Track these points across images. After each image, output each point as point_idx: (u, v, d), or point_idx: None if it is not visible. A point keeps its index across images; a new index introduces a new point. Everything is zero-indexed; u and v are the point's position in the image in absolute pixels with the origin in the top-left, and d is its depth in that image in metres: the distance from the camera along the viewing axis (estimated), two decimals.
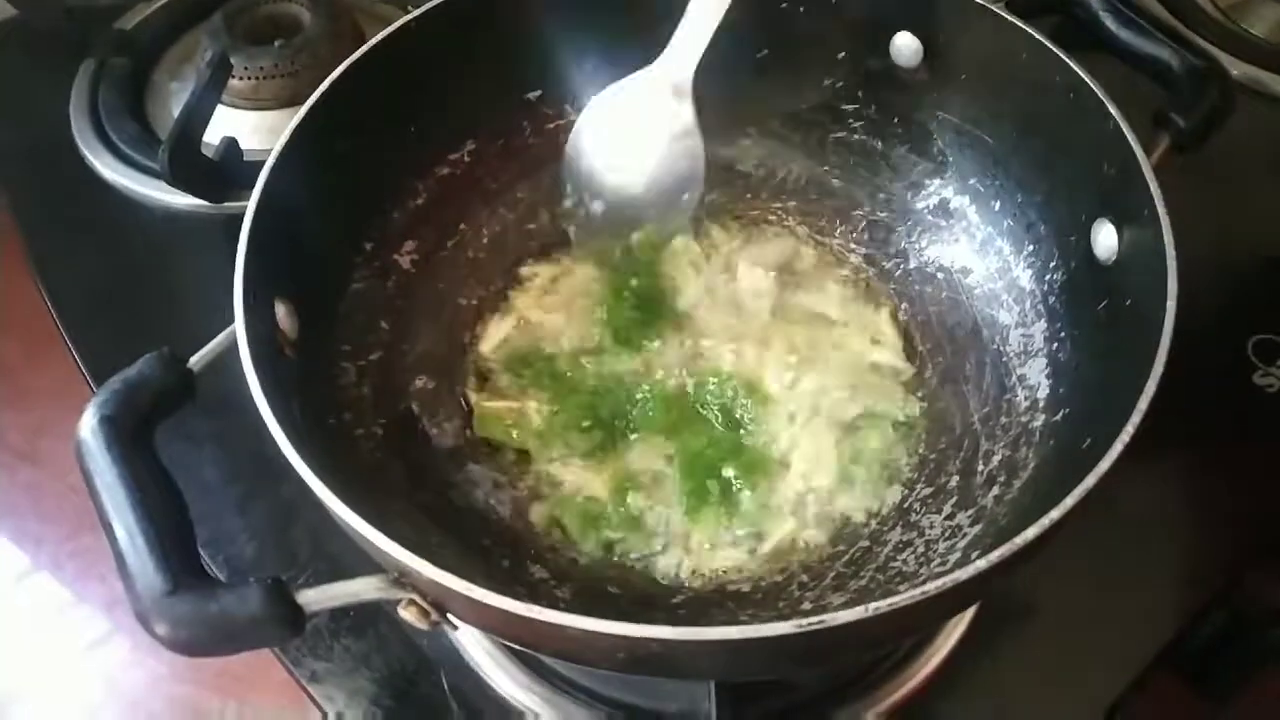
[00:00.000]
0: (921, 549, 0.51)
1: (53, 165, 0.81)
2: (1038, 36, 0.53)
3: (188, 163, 0.67)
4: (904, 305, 0.61)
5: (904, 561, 0.50)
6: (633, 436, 0.56)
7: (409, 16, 0.56)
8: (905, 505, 0.54)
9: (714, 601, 0.51)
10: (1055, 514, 0.37)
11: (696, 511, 0.54)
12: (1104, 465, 0.38)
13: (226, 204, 0.70)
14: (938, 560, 0.49)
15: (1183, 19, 0.85)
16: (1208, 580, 0.59)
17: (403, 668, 0.56)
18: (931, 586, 0.35)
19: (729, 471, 0.54)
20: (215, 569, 0.60)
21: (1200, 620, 0.58)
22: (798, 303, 0.61)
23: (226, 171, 0.68)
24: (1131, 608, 0.57)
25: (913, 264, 0.62)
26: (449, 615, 0.39)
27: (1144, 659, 0.55)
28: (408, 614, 0.39)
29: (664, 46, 0.62)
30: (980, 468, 0.53)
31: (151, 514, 0.38)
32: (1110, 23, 0.56)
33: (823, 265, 0.63)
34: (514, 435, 0.57)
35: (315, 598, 0.38)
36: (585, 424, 0.56)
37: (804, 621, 0.34)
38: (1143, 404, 0.39)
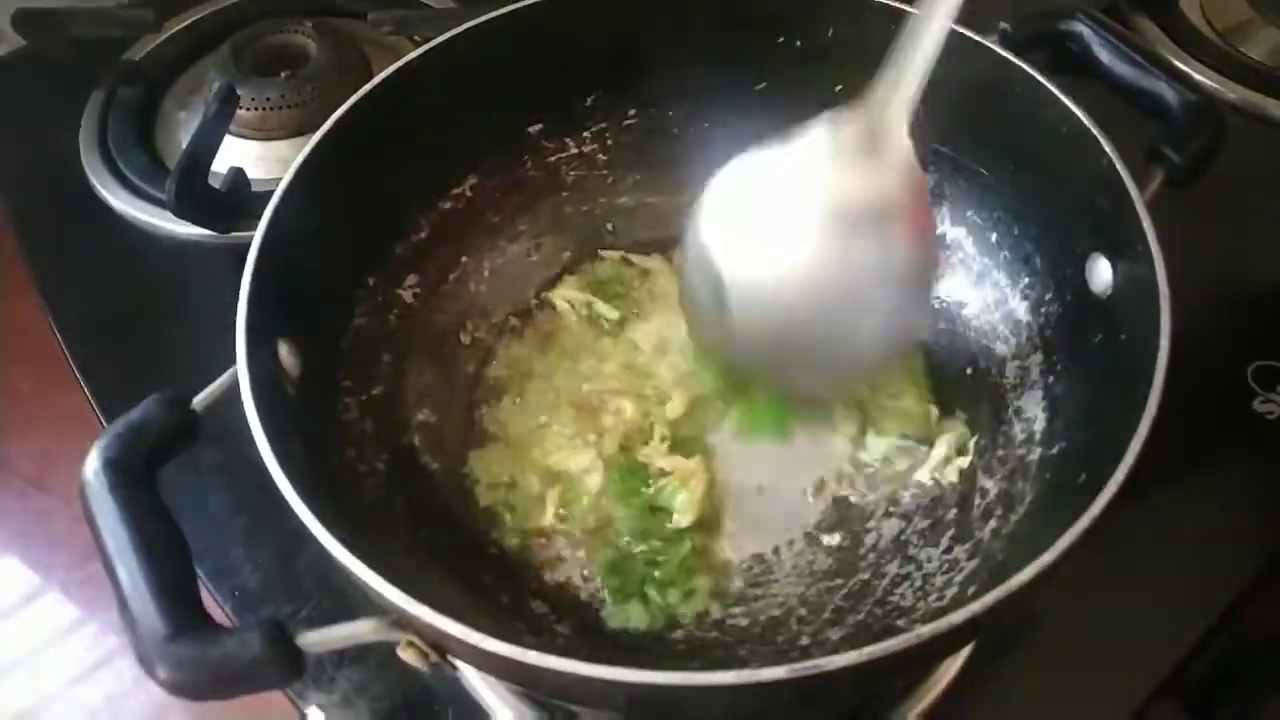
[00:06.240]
0: (919, 583, 0.51)
1: (62, 195, 0.82)
2: (1030, 71, 0.53)
3: (194, 196, 0.67)
4: None
5: (901, 595, 0.51)
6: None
7: (412, 54, 0.57)
8: (903, 538, 0.54)
9: (713, 640, 0.51)
10: (1048, 557, 0.37)
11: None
12: (1096, 508, 0.38)
13: (234, 234, 0.70)
14: (935, 595, 0.49)
15: (1179, 43, 0.85)
16: (1209, 608, 0.58)
17: (404, 698, 0.57)
18: (926, 630, 0.35)
19: None
20: (220, 600, 0.60)
21: (1202, 648, 0.58)
22: None
23: (234, 201, 0.69)
24: (1131, 635, 0.57)
25: None
26: (448, 657, 0.39)
27: (1145, 689, 0.55)
28: (407, 655, 0.40)
29: (660, 80, 0.63)
30: (977, 501, 0.53)
31: (153, 558, 0.38)
32: (1104, 56, 0.56)
33: None
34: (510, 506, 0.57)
35: (315, 640, 0.38)
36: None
37: (798, 666, 0.34)
38: (1135, 446, 0.39)
